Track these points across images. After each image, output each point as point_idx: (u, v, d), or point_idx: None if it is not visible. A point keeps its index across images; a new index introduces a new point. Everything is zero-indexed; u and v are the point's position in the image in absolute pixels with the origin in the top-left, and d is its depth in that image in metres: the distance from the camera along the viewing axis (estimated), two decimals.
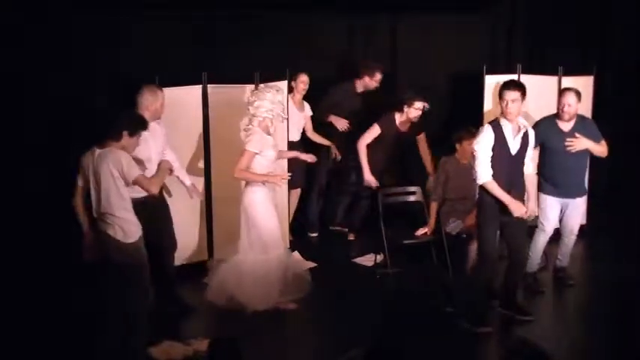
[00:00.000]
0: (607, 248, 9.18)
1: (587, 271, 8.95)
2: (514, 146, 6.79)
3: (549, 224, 7.91)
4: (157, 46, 8.44)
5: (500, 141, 6.70)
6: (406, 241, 8.23)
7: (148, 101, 6.85)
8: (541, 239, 7.95)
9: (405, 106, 8.45)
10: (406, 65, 10.01)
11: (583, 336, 7.09)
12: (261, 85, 7.56)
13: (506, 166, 6.76)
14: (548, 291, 8.09)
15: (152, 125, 6.70)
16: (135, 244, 6.03)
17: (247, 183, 7.27)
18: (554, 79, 9.35)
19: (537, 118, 9.44)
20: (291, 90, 8.75)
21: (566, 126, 7.70)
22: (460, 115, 9.55)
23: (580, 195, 7.93)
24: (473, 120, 9.33)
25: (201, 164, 8.06)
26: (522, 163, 6.92)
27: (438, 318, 7.27)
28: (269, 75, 8.17)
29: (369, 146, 8.62)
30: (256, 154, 7.10)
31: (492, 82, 9.28)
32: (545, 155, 7.77)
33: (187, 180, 7.44)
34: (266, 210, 7.23)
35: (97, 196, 5.93)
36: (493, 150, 6.70)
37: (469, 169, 7.66)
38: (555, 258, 8.32)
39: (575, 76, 9.43)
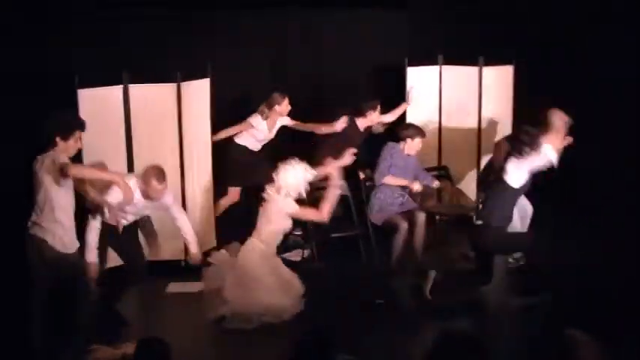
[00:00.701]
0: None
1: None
2: None
3: None
4: (78, 46, 8.24)
5: None
6: (333, 235, 8.20)
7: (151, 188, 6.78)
8: None
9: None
10: (329, 60, 9.97)
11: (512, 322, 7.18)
12: (295, 163, 7.33)
13: None
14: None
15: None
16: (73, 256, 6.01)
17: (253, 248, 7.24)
18: (474, 69, 9.44)
19: (459, 108, 9.59)
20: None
21: None
22: (383, 107, 9.56)
23: None
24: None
25: (123, 164, 7.90)
26: None
27: (366, 309, 7.28)
28: (191, 73, 8.10)
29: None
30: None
31: (414, 74, 9.36)
32: None
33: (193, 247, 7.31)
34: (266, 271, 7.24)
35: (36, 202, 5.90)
36: None
37: (407, 161, 8.17)
38: None
39: (496, 65, 9.55)
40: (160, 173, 6.80)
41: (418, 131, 8.25)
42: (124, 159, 7.84)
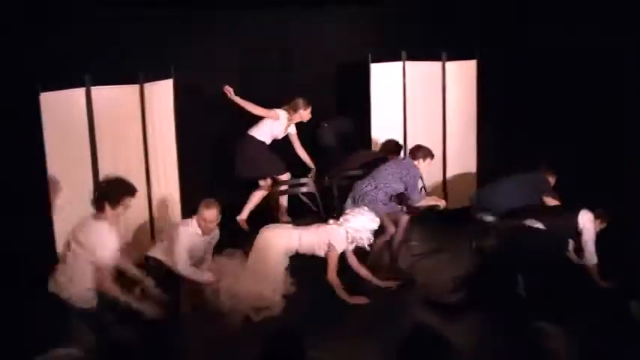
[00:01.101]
0: None
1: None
2: None
3: None
4: (37, 47, 8.17)
5: None
6: None
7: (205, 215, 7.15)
8: None
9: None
10: (294, 57, 9.96)
11: (477, 316, 7.25)
12: (364, 210, 7.63)
13: None
14: (436, 271, 8.29)
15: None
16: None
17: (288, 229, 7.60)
18: (438, 64, 9.48)
19: (423, 103, 9.63)
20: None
21: None
22: (348, 104, 9.60)
23: None
24: (361, 109, 9.46)
25: (88, 169, 7.85)
26: None
27: (336, 305, 7.32)
28: (153, 74, 8.05)
29: None
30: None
31: (378, 70, 9.38)
32: None
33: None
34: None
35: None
36: None
37: None
38: None
39: (459, 60, 9.60)
40: (209, 202, 7.24)
41: (430, 152, 8.42)
42: (89, 161, 7.79)
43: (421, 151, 8.38)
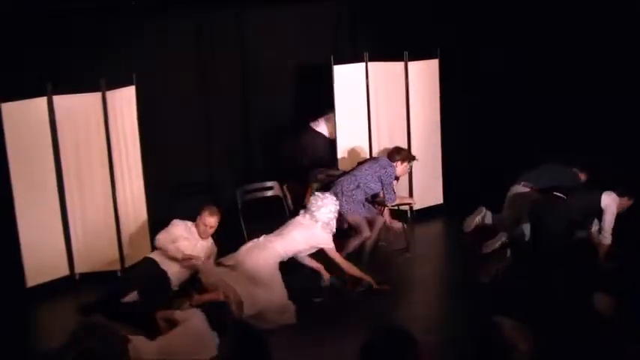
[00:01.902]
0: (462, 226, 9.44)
1: (445, 248, 9.30)
2: None
3: None
4: None
5: None
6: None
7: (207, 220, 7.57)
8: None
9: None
10: (254, 60, 9.95)
11: (443, 313, 7.32)
12: (322, 198, 7.66)
13: None
14: (407, 270, 8.38)
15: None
16: None
17: (269, 248, 7.43)
18: (400, 64, 9.51)
19: (387, 104, 9.66)
20: None
21: None
22: (311, 106, 9.61)
23: None
24: (325, 111, 9.48)
25: (52, 180, 7.81)
26: None
27: (305, 307, 7.33)
28: (115, 81, 8.02)
29: None
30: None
31: (340, 71, 9.40)
32: None
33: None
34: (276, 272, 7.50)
35: None
36: None
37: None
38: None
39: (421, 60, 9.63)
40: (212, 209, 7.65)
41: (409, 156, 8.72)
42: (52, 170, 7.75)
43: (399, 154, 8.56)
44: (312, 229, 7.54)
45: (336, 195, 7.99)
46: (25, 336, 6.93)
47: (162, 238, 7.46)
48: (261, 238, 7.51)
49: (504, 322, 3.66)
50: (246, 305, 7.01)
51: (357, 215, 8.06)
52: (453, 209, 9.89)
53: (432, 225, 9.79)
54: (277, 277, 7.34)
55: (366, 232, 7.98)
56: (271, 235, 7.54)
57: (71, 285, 7.93)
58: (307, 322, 7.07)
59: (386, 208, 8.75)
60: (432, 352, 5.76)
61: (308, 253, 7.66)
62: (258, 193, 8.60)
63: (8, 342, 6.72)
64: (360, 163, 8.60)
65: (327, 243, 7.56)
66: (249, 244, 7.49)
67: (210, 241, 7.72)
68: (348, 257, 7.91)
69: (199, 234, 7.59)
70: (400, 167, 8.53)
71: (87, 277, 8.01)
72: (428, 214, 9.88)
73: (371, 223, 8.13)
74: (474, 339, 3.70)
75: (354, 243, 7.99)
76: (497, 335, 3.61)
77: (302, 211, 7.72)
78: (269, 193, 8.65)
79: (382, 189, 8.36)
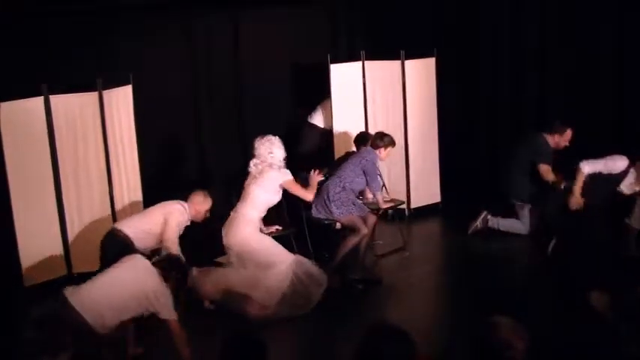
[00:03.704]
0: (459, 225, 9.46)
1: (442, 247, 9.35)
2: None
3: None
4: None
5: None
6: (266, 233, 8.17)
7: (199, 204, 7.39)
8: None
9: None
10: (250, 59, 9.94)
11: (440, 312, 7.34)
12: (272, 137, 7.51)
13: None
14: (404, 269, 8.36)
15: None
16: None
17: (240, 218, 7.33)
18: (397, 63, 9.51)
19: (384, 102, 9.67)
20: None
21: None
22: (308, 105, 9.61)
23: None
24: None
25: (50, 180, 7.80)
26: None
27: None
28: (112, 81, 8.03)
29: None
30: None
31: (337, 70, 9.40)
32: None
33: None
34: (263, 238, 7.44)
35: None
36: None
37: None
38: None
39: (417, 58, 9.63)
40: (206, 193, 7.51)
41: (392, 140, 8.43)
42: (49, 170, 7.75)
43: (382, 140, 8.38)
44: (267, 176, 7.37)
45: (323, 201, 8.01)
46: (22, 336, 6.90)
47: (175, 237, 7.20)
48: (231, 214, 7.48)
49: (501, 321, 3.67)
50: (262, 295, 7.08)
51: (350, 215, 8.03)
52: (449, 208, 9.91)
53: (429, 224, 9.78)
54: (267, 242, 7.35)
55: (363, 230, 7.93)
56: (237, 205, 7.50)
57: (69, 285, 7.91)
58: (304, 322, 7.07)
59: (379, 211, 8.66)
60: (428, 352, 5.77)
61: (278, 200, 7.51)
62: None
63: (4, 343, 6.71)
64: (344, 159, 8.54)
65: (285, 176, 7.41)
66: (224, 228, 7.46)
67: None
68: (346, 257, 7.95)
69: (192, 218, 7.42)
70: (384, 153, 8.38)
71: (85, 276, 7.98)
72: (425, 212, 9.88)
73: (365, 221, 8.10)
74: (471, 338, 3.70)
75: (351, 241, 7.95)
76: (495, 334, 3.62)
77: (251, 164, 7.53)
78: None
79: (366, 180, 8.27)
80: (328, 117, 9.58)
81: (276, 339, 5.87)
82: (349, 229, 8.07)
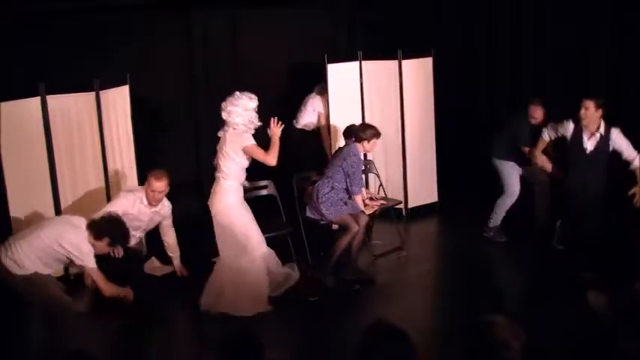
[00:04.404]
0: (457, 224, 9.47)
1: (440, 247, 9.36)
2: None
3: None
4: None
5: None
6: (264, 235, 8.16)
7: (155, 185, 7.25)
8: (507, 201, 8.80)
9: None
10: (248, 59, 9.94)
11: (438, 312, 7.39)
12: (237, 93, 7.36)
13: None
14: (402, 269, 8.39)
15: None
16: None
17: (219, 189, 7.37)
18: (394, 62, 9.52)
19: (381, 102, 9.67)
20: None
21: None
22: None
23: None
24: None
25: (46, 180, 7.79)
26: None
27: (298, 304, 7.41)
28: (109, 81, 8.03)
29: None
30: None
31: (335, 70, 9.41)
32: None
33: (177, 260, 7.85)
34: (241, 213, 7.44)
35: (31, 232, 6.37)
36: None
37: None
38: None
39: (415, 58, 9.64)
40: (158, 173, 7.31)
41: (376, 133, 8.13)
42: (46, 170, 7.74)
43: (364, 132, 8.15)
44: (229, 146, 7.31)
45: (314, 203, 8.01)
46: (21, 338, 6.90)
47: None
48: (214, 184, 7.53)
49: (498, 320, 3.67)
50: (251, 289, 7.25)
51: (340, 214, 8.01)
52: (447, 207, 9.92)
53: (427, 223, 9.79)
54: (246, 219, 7.42)
55: (354, 227, 7.87)
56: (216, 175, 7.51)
57: (65, 286, 7.91)
58: (302, 321, 7.09)
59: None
60: (426, 351, 5.77)
61: (247, 162, 7.43)
62: (252, 192, 8.56)
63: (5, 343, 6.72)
64: (335, 156, 8.40)
65: (250, 141, 7.33)
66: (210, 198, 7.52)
67: (162, 205, 7.52)
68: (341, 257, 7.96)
69: (149, 202, 7.34)
70: (368, 145, 8.14)
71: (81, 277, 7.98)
72: (422, 212, 9.89)
73: (356, 219, 8.05)
74: (467, 337, 3.71)
75: (344, 240, 7.91)
76: (491, 333, 3.62)
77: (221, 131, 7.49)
78: (263, 192, 8.62)
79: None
80: (317, 112, 9.63)
81: (272, 339, 5.90)
82: (341, 228, 8.06)
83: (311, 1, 10.22)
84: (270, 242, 8.10)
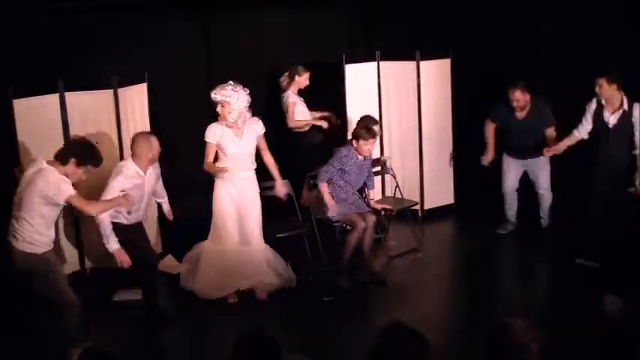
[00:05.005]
0: (473, 226, 9.45)
1: (456, 248, 9.35)
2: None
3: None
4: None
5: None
6: (279, 235, 8.17)
7: (144, 151, 6.93)
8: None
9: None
10: (265, 59, 9.92)
11: (454, 313, 7.35)
12: (231, 83, 7.64)
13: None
14: (418, 270, 8.36)
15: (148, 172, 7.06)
16: (40, 256, 6.20)
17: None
18: (412, 63, 9.49)
19: (399, 103, 9.66)
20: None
21: (521, 115, 8.78)
22: (323, 104, 9.58)
23: (537, 155, 8.74)
24: (336, 110, 9.48)
25: None
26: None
27: (314, 305, 7.41)
28: (127, 79, 8.05)
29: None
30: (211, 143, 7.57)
31: (352, 70, 9.40)
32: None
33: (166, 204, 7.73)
34: (222, 202, 7.64)
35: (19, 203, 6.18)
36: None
37: (362, 165, 8.09)
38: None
39: (433, 59, 9.61)
40: (145, 133, 7.23)
41: (367, 133, 7.95)
42: None
43: (355, 131, 8.12)
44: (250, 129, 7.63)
45: (320, 203, 8.02)
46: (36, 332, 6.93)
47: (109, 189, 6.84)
48: None
49: (515, 322, 3.66)
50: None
51: (345, 213, 7.99)
52: (463, 209, 9.89)
53: (443, 225, 9.77)
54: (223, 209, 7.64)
55: (361, 224, 7.82)
56: None
57: (82, 280, 7.95)
58: (315, 322, 7.09)
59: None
60: (442, 354, 5.76)
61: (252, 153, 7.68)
62: (267, 191, 8.56)
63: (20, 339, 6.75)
64: None
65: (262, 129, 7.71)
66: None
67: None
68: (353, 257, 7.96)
69: (148, 165, 7.02)
70: (359, 146, 7.98)
71: (98, 272, 8.03)
72: (439, 213, 9.86)
73: (363, 218, 7.95)
74: (485, 340, 3.69)
75: (352, 238, 7.87)
76: (509, 336, 3.61)
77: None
78: (272, 193, 8.61)
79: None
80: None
81: (286, 339, 5.89)
82: (349, 227, 8.03)
83: (329, 1, 10.19)
84: (285, 241, 8.16)
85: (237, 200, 7.65)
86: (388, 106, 9.74)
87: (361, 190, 8.40)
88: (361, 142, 7.90)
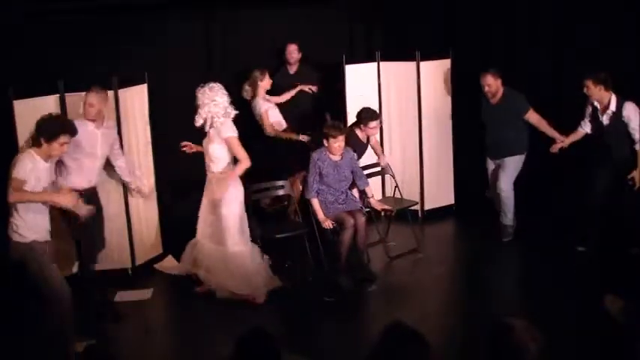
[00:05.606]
0: (473, 227, 9.45)
1: (456, 249, 9.34)
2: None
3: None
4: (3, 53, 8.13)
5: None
6: (278, 235, 8.16)
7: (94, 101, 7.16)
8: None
9: (362, 125, 8.30)
10: (264, 60, 9.92)
11: (454, 314, 7.35)
12: (213, 84, 7.65)
13: None
14: (418, 271, 8.37)
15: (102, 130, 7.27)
16: (27, 245, 6.12)
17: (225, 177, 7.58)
18: (412, 64, 9.49)
19: (399, 103, 9.66)
20: None
21: (494, 100, 8.87)
22: (322, 105, 9.59)
23: (507, 155, 8.81)
24: (336, 109, 9.48)
25: None
26: None
27: (314, 305, 7.42)
28: (127, 79, 8.06)
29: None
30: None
31: (352, 70, 9.40)
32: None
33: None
34: (240, 204, 7.74)
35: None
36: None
37: (338, 165, 7.95)
38: None
39: (433, 60, 9.60)
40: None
41: (332, 131, 7.84)
42: None
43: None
44: (213, 136, 7.63)
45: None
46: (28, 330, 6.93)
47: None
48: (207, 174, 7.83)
49: (516, 322, 3.65)
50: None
51: (335, 213, 7.99)
52: (464, 210, 9.89)
53: (443, 225, 9.76)
54: (237, 210, 7.65)
55: (349, 221, 7.78)
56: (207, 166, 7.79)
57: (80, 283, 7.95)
58: (316, 322, 7.09)
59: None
60: (442, 354, 5.76)
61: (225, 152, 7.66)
62: (268, 192, 8.56)
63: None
64: None
65: (233, 131, 7.62)
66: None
67: (107, 122, 7.45)
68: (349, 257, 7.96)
69: (86, 116, 7.18)
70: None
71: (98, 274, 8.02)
72: (439, 214, 9.86)
73: (353, 216, 7.92)
74: (485, 340, 3.69)
75: (345, 237, 7.82)
76: (509, 336, 3.60)
77: (196, 117, 7.71)
78: (280, 192, 8.62)
79: None
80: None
81: (286, 339, 5.90)
82: (339, 226, 8.02)
83: (329, 1, 10.19)
84: (285, 242, 8.15)
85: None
86: (388, 107, 9.74)
87: (362, 191, 8.39)
88: (331, 140, 7.81)
